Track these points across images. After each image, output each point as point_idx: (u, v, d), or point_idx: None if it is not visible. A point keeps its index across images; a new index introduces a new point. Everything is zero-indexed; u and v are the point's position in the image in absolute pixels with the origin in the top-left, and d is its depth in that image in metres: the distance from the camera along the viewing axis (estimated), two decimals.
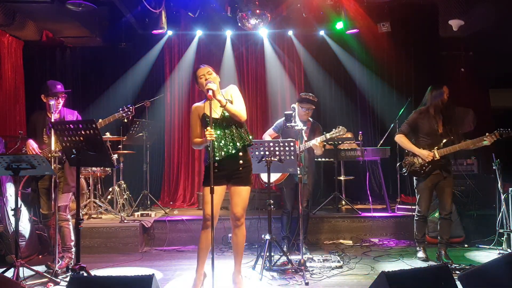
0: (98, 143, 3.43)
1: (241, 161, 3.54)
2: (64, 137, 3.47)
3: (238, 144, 3.51)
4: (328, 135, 4.68)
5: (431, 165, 4.48)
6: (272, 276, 4.09)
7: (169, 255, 5.17)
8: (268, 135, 5.03)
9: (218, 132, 3.52)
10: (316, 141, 4.70)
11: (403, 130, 4.70)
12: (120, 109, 4.39)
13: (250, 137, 3.64)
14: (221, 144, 3.51)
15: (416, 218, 4.70)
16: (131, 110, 4.36)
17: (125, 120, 4.44)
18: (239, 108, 3.54)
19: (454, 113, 4.76)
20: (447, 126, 4.56)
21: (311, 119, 5.06)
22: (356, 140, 6.35)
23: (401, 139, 4.69)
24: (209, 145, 3.40)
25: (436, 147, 4.49)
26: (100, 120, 4.28)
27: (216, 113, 3.53)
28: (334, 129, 4.69)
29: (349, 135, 6.84)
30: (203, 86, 3.55)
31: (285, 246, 4.94)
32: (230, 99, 3.58)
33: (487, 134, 4.41)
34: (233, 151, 3.49)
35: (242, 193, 3.56)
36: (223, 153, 3.49)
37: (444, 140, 4.50)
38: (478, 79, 7.57)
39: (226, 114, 3.54)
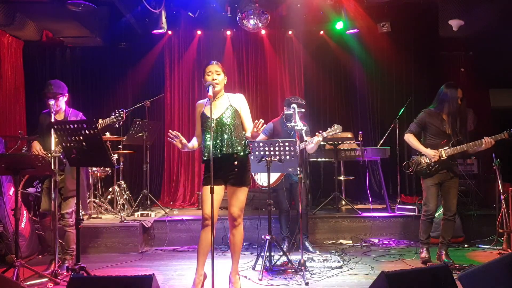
0: (98, 143, 3.43)
1: (236, 162, 3.53)
2: (64, 137, 3.47)
3: (224, 150, 3.48)
4: (324, 134, 4.69)
5: (437, 165, 4.43)
6: (272, 276, 4.10)
7: (169, 255, 5.17)
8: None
9: (213, 132, 3.50)
10: (313, 142, 4.69)
11: (412, 129, 4.61)
12: (112, 114, 4.30)
13: (245, 149, 3.57)
14: (213, 144, 3.49)
15: (423, 218, 4.56)
16: (121, 115, 4.23)
17: (117, 125, 4.41)
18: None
19: (464, 113, 4.64)
20: (455, 127, 4.47)
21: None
22: (356, 140, 6.35)
23: (409, 138, 4.59)
24: (204, 145, 3.49)
25: (443, 148, 4.43)
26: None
27: (214, 114, 3.52)
28: (329, 128, 4.71)
29: (349, 135, 6.84)
30: (206, 82, 3.55)
31: (285, 246, 4.95)
32: (238, 109, 3.58)
33: (491, 138, 4.32)
34: (219, 155, 3.48)
35: (237, 194, 3.55)
36: (212, 154, 3.47)
37: (452, 141, 4.43)
38: (478, 79, 7.56)
39: (224, 117, 3.53)
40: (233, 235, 3.62)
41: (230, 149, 3.51)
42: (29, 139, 4.45)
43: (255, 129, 3.38)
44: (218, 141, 3.51)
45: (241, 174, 3.56)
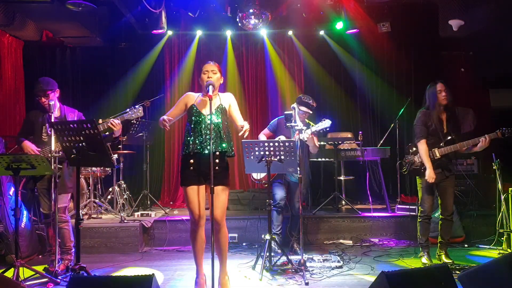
0: (98, 143, 3.43)
1: (217, 160, 3.46)
2: (64, 137, 3.46)
3: (209, 148, 3.40)
4: (313, 128, 4.69)
5: (433, 164, 4.39)
6: (272, 276, 4.09)
7: (169, 255, 5.17)
8: (263, 135, 5.09)
9: (203, 127, 3.48)
10: (307, 134, 4.69)
11: (423, 134, 4.45)
12: (129, 109, 4.25)
13: (231, 149, 3.55)
14: (199, 140, 3.47)
15: (420, 220, 4.52)
16: (140, 111, 4.24)
17: (134, 121, 4.34)
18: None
19: (454, 111, 4.63)
20: (450, 124, 4.46)
21: (306, 120, 5.08)
22: (356, 140, 6.35)
23: (422, 147, 4.43)
24: (188, 139, 3.47)
25: (437, 146, 4.42)
26: (112, 120, 4.18)
27: (207, 112, 3.50)
28: (319, 122, 4.72)
29: (349, 135, 6.85)
30: (203, 81, 3.55)
31: (275, 245, 4.86)
32: (227, 107, 3.59)
33: (485, 135, 4.31)
34: (205, 152, 3.44)
35: (219, 195, 3.44)
36: (196, 150, 3.45)
37: (447, 139, 4.41)
38: (478, 79, 7.57)
39: (215, 118, 3.50)
40: (218, 238, 3.50)
41: (219, 148, 3.47)
42: (17, 140, 4.36)
43: (239, 134, 3.44)
44: (206, 138, 3.46)
45: (222, 173, 3.50)
